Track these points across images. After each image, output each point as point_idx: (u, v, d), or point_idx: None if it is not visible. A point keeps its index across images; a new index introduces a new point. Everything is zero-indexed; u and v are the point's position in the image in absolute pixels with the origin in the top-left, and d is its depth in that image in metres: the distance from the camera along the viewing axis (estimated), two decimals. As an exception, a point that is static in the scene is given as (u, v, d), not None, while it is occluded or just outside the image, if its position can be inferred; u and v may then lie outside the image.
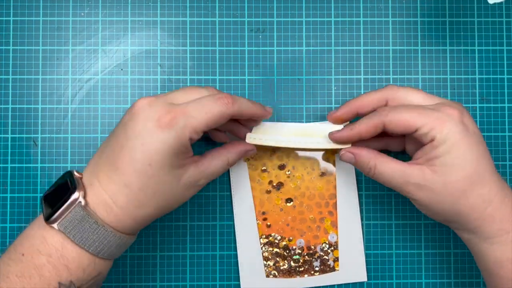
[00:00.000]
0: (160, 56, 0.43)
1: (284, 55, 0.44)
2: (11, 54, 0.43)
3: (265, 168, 0.43)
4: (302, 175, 0.43)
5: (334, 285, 0.43)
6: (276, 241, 0.43)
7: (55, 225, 0.32)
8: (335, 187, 0.43)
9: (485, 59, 0.44)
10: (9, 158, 0.43)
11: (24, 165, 0.43)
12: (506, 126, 0.44)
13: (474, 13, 0.44)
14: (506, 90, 0.44)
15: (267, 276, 0.42)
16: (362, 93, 0.43)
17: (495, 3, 0.44)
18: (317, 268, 0.42)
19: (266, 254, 0.43)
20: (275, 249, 0.43)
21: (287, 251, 0.43)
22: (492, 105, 0.44)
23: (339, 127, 0.40)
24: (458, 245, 0.43)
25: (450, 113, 0.34)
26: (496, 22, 0.44)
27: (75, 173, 0.34)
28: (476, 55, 0.44)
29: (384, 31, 0.44)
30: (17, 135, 0.43)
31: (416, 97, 0.37)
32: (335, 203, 0.43)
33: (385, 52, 0.44)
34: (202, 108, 0.34)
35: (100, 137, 0.43)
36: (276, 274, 0.42)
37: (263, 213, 0.43)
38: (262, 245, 0.43)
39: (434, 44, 0.44)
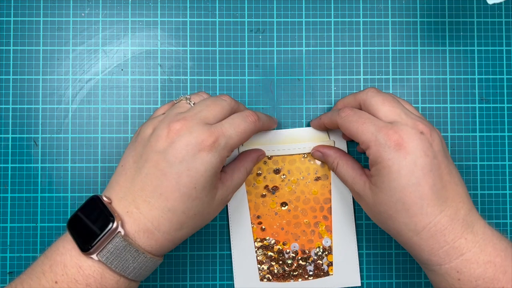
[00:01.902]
0: (160, 56, 0.43)
1: (284, 55, 0.44)
2: (11, 54, 0.43)
3: (260, 172, 0.43)
4: (297, 180, 0.43)
5: None
6: (271, 245, 0.43)
7: (94, 256, 0.32)
8: (330, 191, 0.43)
9: (485, 59, 0.44)
10: (9, 158, 0.43)
11: (25, 165, 0.43)
12: (506, 126, 0.44)
13: (473, 13, 0.44)
14: (505, 90, 0.44)
15: (261, 279, 0.42)
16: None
17: (494, 4, 0.44)
18: (311, 273, 0.43)
19: (260, 257, 0.43)
20: (269, 253, 0.43)
21: (281, 255, 0.43)
22: (491, 105, 0.44)
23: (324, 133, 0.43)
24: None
25: (390, 138, 0.34)
26: (495, 22, 0.44)
27: (104, 198, 0.34)
28: (476, 55, 0.44)
29: (384, 31, 0.44)
30: (17, 135, 0.43)
31: (383, 110, 0.36)
32: (330, 208, 0.43)
33: (384, 52, 0.44)
34: (236, 128, 0.35)
35: (100, 137, 0.43)
36: (270, 278, 0.42)
37: (258, 216, 0.43)
38: (256, 248, 0.43)
39: (434, 45, 0.44)
